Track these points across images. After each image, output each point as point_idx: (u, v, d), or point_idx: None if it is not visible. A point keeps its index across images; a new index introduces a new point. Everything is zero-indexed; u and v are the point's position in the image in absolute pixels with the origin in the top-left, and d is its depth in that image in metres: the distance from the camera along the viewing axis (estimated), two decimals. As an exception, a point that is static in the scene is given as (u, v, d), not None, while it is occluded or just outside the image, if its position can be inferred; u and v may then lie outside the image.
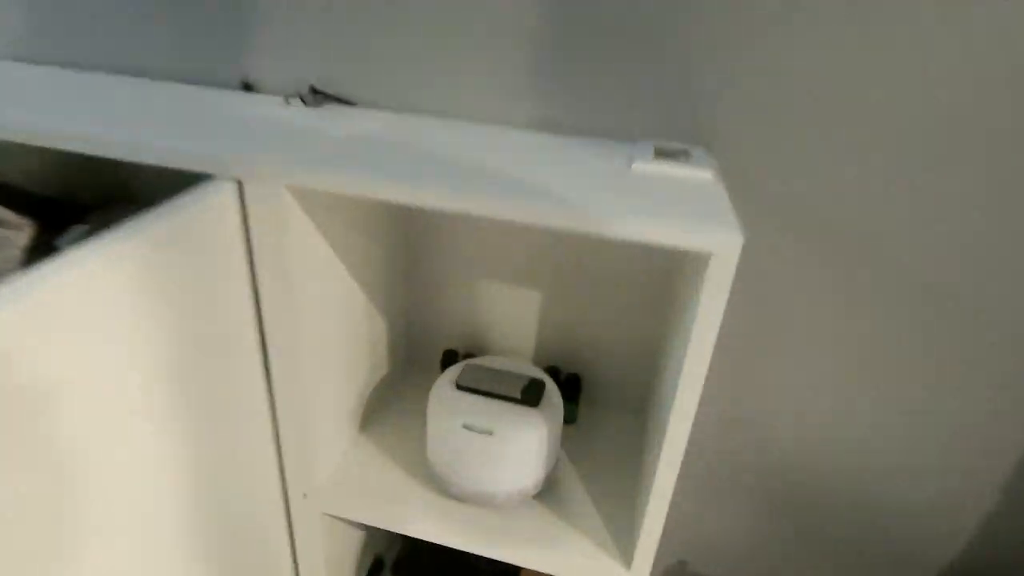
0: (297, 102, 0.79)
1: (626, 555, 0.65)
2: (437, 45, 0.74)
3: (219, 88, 0.85)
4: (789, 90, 0.66)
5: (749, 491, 0.92)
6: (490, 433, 0.64)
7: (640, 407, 0.89)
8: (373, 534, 0.98)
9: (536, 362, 0.89)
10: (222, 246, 0.54)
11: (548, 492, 0.73)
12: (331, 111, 0.78)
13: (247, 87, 0.85)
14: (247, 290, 0.59)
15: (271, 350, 0.63)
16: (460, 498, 0.70)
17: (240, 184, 0.54)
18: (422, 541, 0.89)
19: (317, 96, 0.81)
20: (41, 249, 0.79)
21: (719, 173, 0.61)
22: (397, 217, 0.81)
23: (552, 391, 0.71)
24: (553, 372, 0.85)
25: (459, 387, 0.69)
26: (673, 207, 0.49)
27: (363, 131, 0.67)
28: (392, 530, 0.71)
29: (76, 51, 0.89)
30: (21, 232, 0.79)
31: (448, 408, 0.66)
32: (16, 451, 0.37)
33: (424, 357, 0.93)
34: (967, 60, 0.61)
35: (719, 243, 0.45)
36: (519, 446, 0.64)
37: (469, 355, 0.85)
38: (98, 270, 0.41)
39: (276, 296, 0.60)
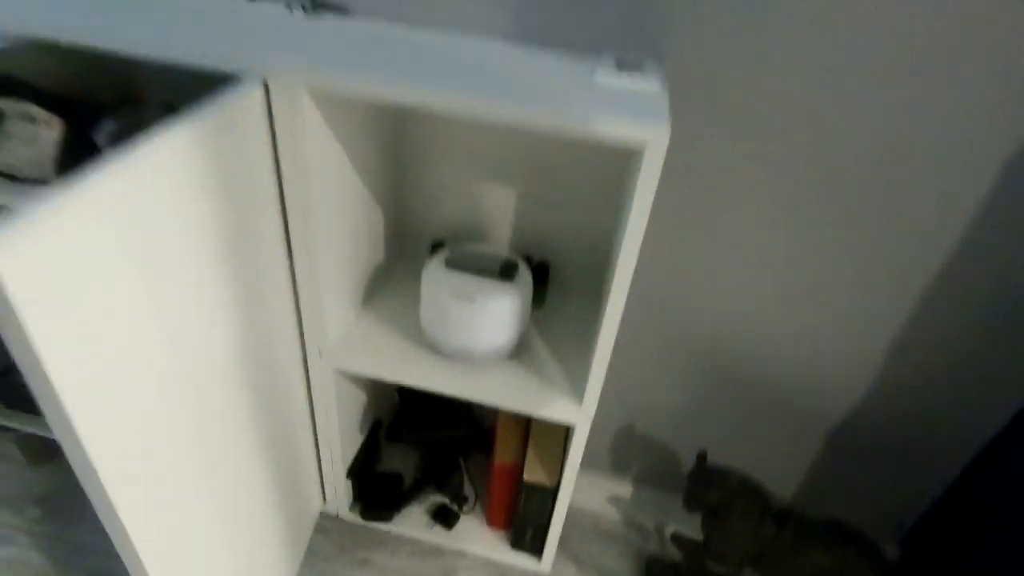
0: (299, 9, 0.87)
1: (579, 396, 0.84)
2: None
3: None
4: (728, 15, 0.77)
5: (684, 367, 1.11)
6: (472, 300, 0.79)
7: (598, 294, 1.05)
8: (374, 402, 1.16)
9: (512, 251, 1.03)
10: (252, 139, 0.66)
11: (519, 354, 0.90)
12: (329, 18, 0.86)
13: (250, -5, 0.92)
14: (272, 178, 0.71)
15: (292, 228, 0.76)
16: (447, 355, 0.86)
17: (266, 85, 0.65)
18: (410, 409, 1.07)
19: (316, 4, 0.89)
20: (74, 143, 0.89)
21: (666, 82, 0.73)
22: (395, 121, 0.92)
23: (524, 270, 0.86)
24: (526, 259, 1.00)
25: (448, 265, 0.83)
26: (621, 110, 0.62)
27: (362, 39, 0.77)
28: (394, 381, 0.87)
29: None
30: (51, 128, 0.88)
31: (439, 281, 0.81)
32: (139, 287, 0.50)
33: (415, 247, 1.07)
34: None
35: (651, 137, 0.59)
36: (495, 311, 0.80)
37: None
38: (169, 153, 0.53)
39: (296, 183, 0.72)
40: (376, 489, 1.13)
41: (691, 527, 1.29)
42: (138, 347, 0.53)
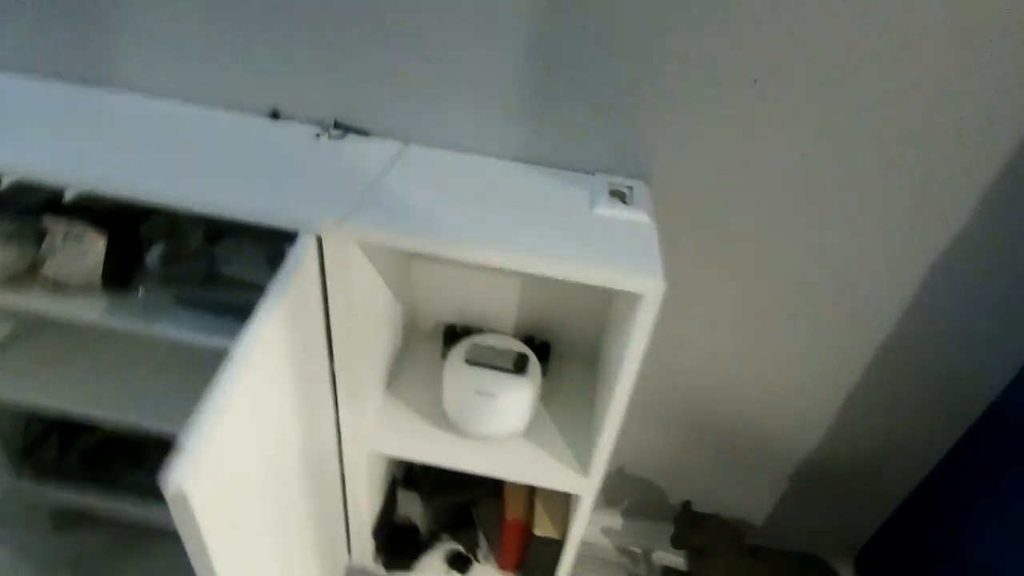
0: (325, 136, 0.97)
1: (584, 468, 0.97)
2: (443, 91, 0.94)
3: (250, 115, 1.01)
4: (702, 145, 0.91)
5: (669, 417, 1.26)
6: (493, 396, 0.91)
7: (592, 359, 1.18)
8: (392, 462, 1.27)
9: (516, 332, 1.16)
10: (309, 280, 0.77)
11: (530, 430, 1.03)
12: (352, 141, 0.97)
13: (275, 115, 1.01)
14: (320, 305, 0.82)
15: (336, 344, 0.87)
16: (468, 437, 0.99)
17: (320, 239, 0.76)
18: (429, 472, 1.19)
19: (340, 128, 0.99)
20: (116, 250, 0.97)
21: (653, 209, 0.87)
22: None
23: (533, 362, 0.98)
24: (529, 340, 1.12)
25: (468, 362, 0.95)
26: (619, 253, 0.74)
27: (386, 178, 0.88)
28: (423, 462, 0.99)
29: (116, 72, 1.02)
30: (97, 245, 0.97)
31: (463, 379, 0.93)
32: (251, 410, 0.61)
33: (426, 328, 1.19)
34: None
35: (648, 289, 0.72)
36: (513, 404, 0.93)
37: (465, 329, 1.11)
38: (273, 316, 0.64)
39: (339, 307, 0.83)
40: (396, 541, 1.25)
41: (675, 554, 1.45)
42: (239, 462, 0.64)
